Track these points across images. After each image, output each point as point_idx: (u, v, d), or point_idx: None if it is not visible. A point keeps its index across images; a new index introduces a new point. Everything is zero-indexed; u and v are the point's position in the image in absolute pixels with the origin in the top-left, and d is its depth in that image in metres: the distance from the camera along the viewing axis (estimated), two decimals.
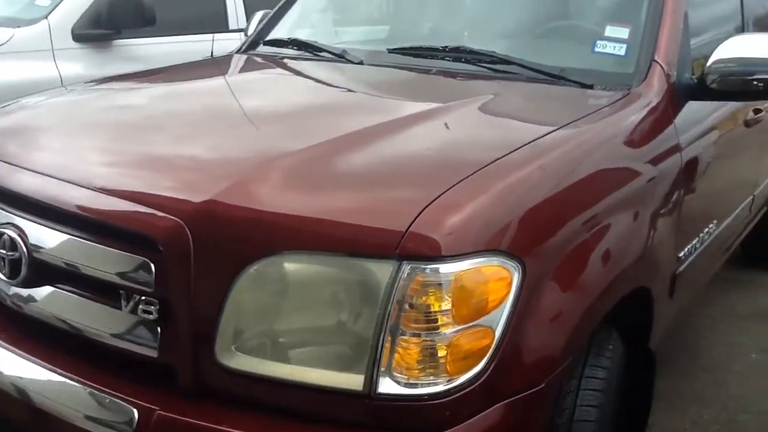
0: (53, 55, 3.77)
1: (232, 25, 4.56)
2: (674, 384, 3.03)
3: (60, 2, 3.88)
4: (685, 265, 2.22)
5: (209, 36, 4.38)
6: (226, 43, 4.33)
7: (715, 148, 2.36)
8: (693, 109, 2.19)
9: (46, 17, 3.82)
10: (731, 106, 2.47)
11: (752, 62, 2.06)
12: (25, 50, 3.70)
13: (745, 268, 4.32)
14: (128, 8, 3.88)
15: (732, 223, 2.80)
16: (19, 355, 1.52)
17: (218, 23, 4.50)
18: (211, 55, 3.93)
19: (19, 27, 3.76)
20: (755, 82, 2.07)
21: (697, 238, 2.31)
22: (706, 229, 2.41)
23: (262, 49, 2.79)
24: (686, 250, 2.21)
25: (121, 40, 4.02)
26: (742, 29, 2.80)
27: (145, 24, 3.91)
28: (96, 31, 3.92)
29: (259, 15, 3.17)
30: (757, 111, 2.70)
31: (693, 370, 3.18)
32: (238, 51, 2.87)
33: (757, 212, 3.45)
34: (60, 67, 3.75)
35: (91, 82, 2.44)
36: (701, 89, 2.11)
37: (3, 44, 3.64)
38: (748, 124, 2.66)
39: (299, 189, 1.42)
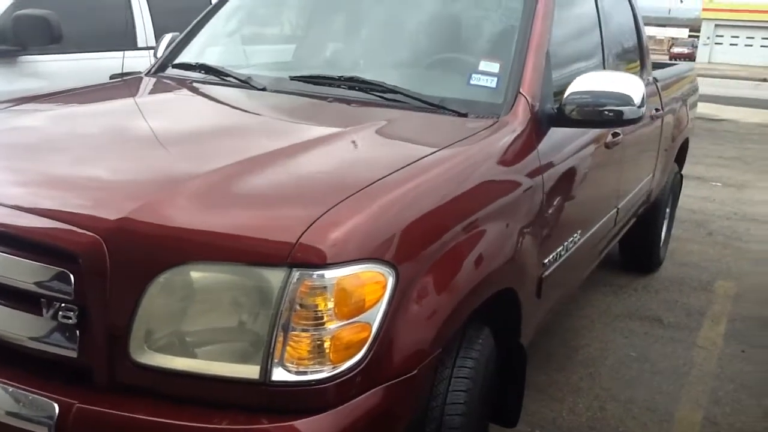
0: None
1: (140, 43, 4.64)
2: (553, 377, 3.37)
3: None
4: (551, 270, 2.53)
5: (117, 53, 4.44)
6: (135, 60, 4.43)
7: (576, 168, 2.70)
8: (558, 134, 2.51)
9: None
10: (593, 131, 2.83)
11: (603, 95, 2.39)
12: None
13: (622, 273, 4.79)
14: (34, 25, 3.88)
15: (597, 233, 3.16)
16: None
17: (127, 41, 4.56)
18: (122, 71, 4.00)
19: None
20: (606, 112, 2.41)
21: (561, 246, 2.63)
22: (571, 238, 2.74)
23: (170, 72, 2.93)
24: (551, 256, 2.52)
25: (27, 57, 4.03)
26: (603, 62, 3.19)
27: (52, 41, 3.93)
28: (1, 48, 3.91)
29: (168, 37, 3.29)
30: (615, 135, 3.08)
31: (570, 364, 3.53)
32: (147, 73, 3.00)
33: (624, 223, 3.86)
34: None
35: (7, 102, 2.49)
36: (561, 117, 2.43)
37: None
38: (608, 146, 3.03)
39: (203, 207, 1.60)
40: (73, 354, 1.55)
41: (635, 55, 3.94)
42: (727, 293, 4.64)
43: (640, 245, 4.66)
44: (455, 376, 1.84)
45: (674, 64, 5.61)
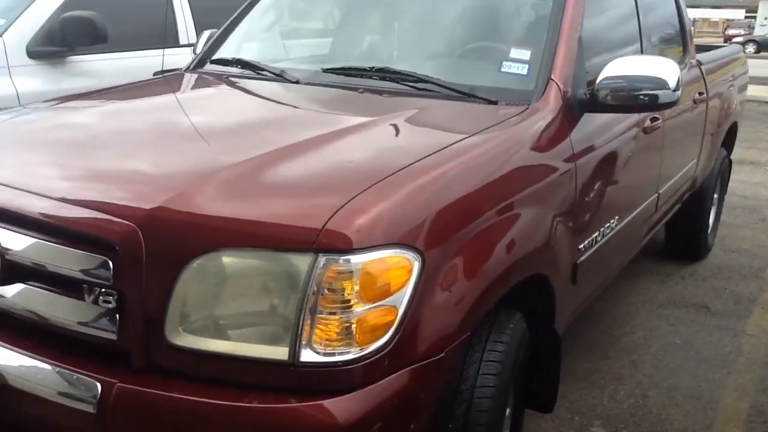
0: (9, 72, 3.89)
1: (182, 41, 4.75)
2: (596, 365, 3.35)
3: (14, 21, 4.02)
4: (587, 256, 2.52)
5: (159, 51, 4.56)
6: (177, 57, 4.54)
7: (611, 153, 2.66)
8: (592, 119, 2.49)
9: (1, 35, 3.94)
10: (629, 116, 2.79)
11: (638, 79, 2.37)
12: None
13: (668, 261, 4.69)
14: (81, 26, 4.01)
15: (636, 218, 3.12)
16: None
17: (169, 39, 4.67)
18: (162, 69, 4.12)
19: None
20: (641, 97, 2.38)
21: (597, 232, 2.61)
22: (608, 224, 2.71)
23: (209, 67, 3.01)
24: (586, 242, 2.51)
25: (74, 57, 4.16)
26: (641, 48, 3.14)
27: (98, 41, 4.06)
28: (50, 48, 4.05)
29: (207, 34, 3.39)
30: (654, 119, 3.03)
31: (613, 352, 3.49)
32: (187, 69, 3.10)
33: (668, 209, 3.79)
34: (16, 83, 3.88)
35: (53, 100, 2.62)
36: (594, 103, 2.41)
37: None
38: (646, 131, 2.99)
39: (233, 196, 1.67)
40: (113, 336, 1.63)
41: (676, 39, 3.86)
42: None
43: (686, 232, 4.56)
44: (485, 359, 1.86)
45: (722, 47, 5.45)
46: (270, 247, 1.56)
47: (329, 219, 1.54)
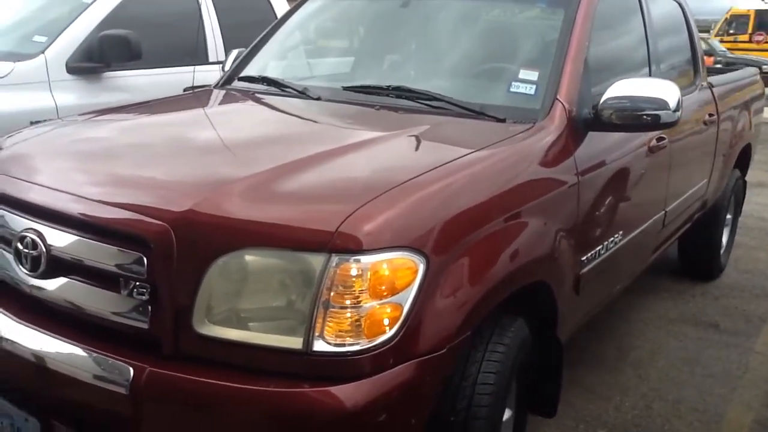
0: (49, 87, 4.13)
1: (212, 58, 4.99)
2: (602, 377, 3.44)
3: (56, 38, 4.27)
4: (590, 267, 2.64)
5: (190, 68, 4.79)
6: (207, 74, 4.76)
7: (616, 170, 2.78)
8: (597, 138, 2.62)
9: (43, 52, 4.20)
10: (635, 135, 2.91)
11: (641, 100, 2.50)
12: (24, 82, 4.05)
13: (681, 279, 4.76)
14: (117, 44, 4.26)
15: (642, 235, 3.22)
16: (37, 331, 1.91)
17: (199, 56, 4.91)
18: (192, 85, 4.33)
19: (18, 61, 4.12)
20: (644, 116, 2.52)
21: (601, 246, 2.73)
22: (612, 238, 2.83)
23: (236, 84, 3.20)
24: (590, 254, 2.63)
25: (110, 72, 4.41)
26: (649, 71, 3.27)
27: (132, 58, 4.30)
28: (88, 65, 4.30)
29: (235, 53, 3.57)
30: (660, 139, 3.15)
31: (620, 366, 3.58)
32: (216, 86, 3.29)
33: (677, 227, 3.89)
34: (56, 98, 4.12)
35: (90, 113, 2.81)
36: (597, 122, 2.55)
37: (4, 77, 4.00)
38: (651, 150, 3.11)
39: (256, 202, 1.84)
40: (145, 326, 1.80)
41: (687, 62, 3.98)
42: None
43: (698, 251, 4.64)
44: (486, 359, 1.99)
45: (735, 70, 5.53)
46: (288, 247, 1.72)
47: (342, 223, 1.70)
